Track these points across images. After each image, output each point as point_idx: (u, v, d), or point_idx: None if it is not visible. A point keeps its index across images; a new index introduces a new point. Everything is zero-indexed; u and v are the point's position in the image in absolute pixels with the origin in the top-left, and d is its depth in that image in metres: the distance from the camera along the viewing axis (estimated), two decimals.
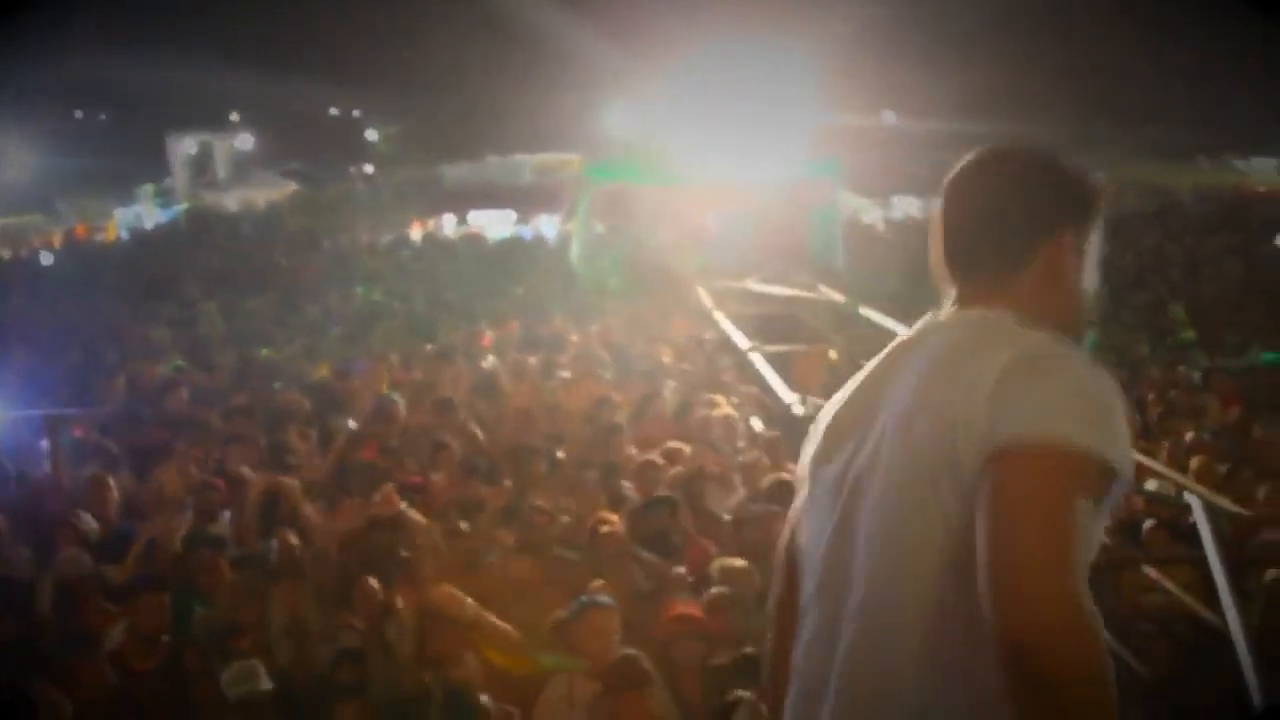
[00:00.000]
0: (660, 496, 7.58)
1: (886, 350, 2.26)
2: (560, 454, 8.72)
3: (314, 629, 6.21)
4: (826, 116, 26.92)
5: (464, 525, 7.16)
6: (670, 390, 10.58)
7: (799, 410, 9.32)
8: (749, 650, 5.53)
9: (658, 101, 21.77)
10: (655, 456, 8.49)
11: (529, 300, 16.56)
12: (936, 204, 2.29)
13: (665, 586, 6.62)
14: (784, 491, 7.66)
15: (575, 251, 19.73)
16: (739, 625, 6.08)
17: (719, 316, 13.62)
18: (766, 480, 7.87)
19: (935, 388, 2.02)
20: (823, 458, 2.22)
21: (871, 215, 32.21)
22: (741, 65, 21.95)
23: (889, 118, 45.63)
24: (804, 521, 2.26)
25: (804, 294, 15.38)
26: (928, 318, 2.25)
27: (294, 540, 6.87)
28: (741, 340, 11.97)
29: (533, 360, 11.96)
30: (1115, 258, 19.71)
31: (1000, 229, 2.19)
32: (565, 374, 11.31)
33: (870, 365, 2.27)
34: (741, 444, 9.20)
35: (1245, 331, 15.50)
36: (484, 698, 5.36)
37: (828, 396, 7.92)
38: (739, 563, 6.67)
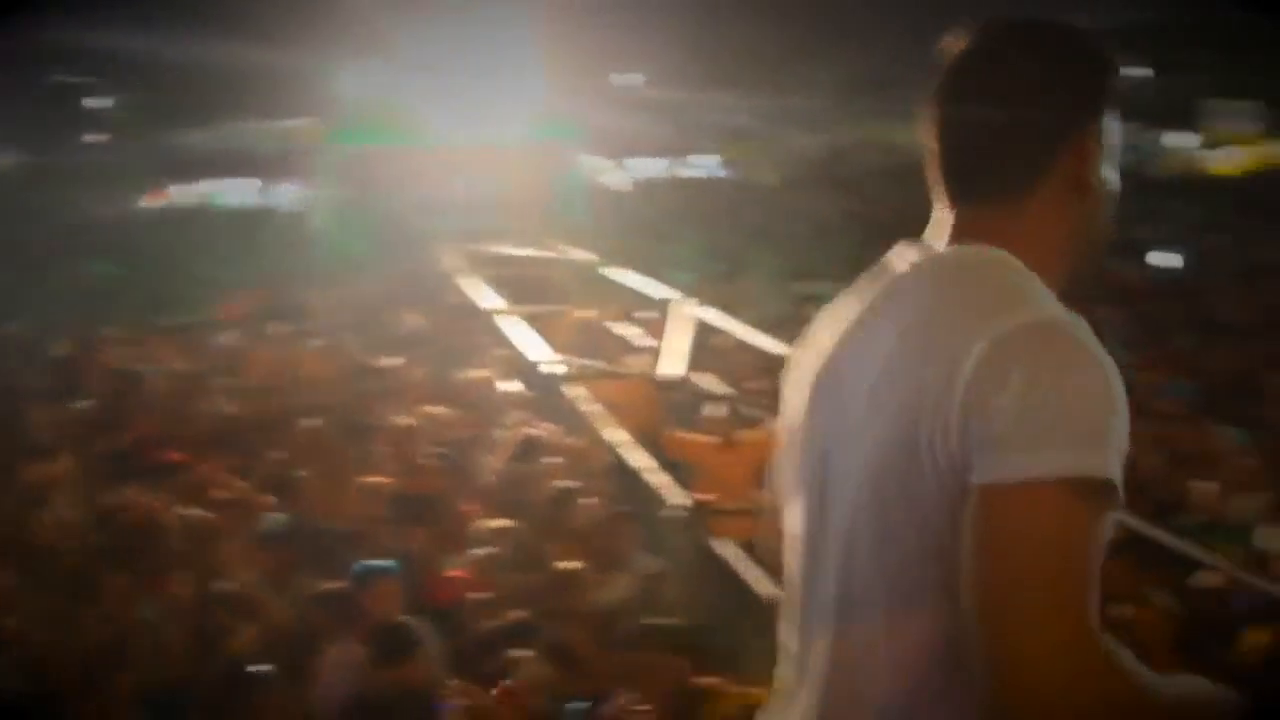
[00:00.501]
0: (421, 462, 7.63)
1: (876, 289, 1.77)
2: (317, 422, 8.65)
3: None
4: (568, 78, 27.03)
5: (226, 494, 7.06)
6: (422, 355, 10.60)
7: (550, 369, 9.45)
8: (521, 614, 5.66)
9: (398, 63, 21.52)
10: (413, 420, 8.52)
11: (273, 269, 16.24)
12: (929, 111, 1.79)
13: (432, 551, 6.69)
14: (535, 449, 7.83)
15: (318, 218, 19.44)
16: (506, 584, 6.21)
17: (468, 279, 13.63)
18: (520, 439, 8.00)
19: (910, 356, 1.63)
20: (801, 420, 1.81)
21: (615, 177, 32.52)
22: (481, 25, 21.87)
23: (633, 79, 46.02)
24: (790, 489, 1.83)
25: (551, 255, 15.54)
26: (921, 250, 1.77)
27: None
28: (492, 302, 12.02)
29: (280, 330, 11.80)
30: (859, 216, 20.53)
31: (1018, 134, 1.72)
32: (316, 342, 11.20)
33: (851, 306, 1.80)
34: (498, 405, 9.30)
35: None
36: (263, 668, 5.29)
37: (577, 354, 8.10)
38: (503, 523, 6.78)
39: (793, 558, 1.80)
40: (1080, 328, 1.58)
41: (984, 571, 1.48)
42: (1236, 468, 8.23)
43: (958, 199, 1.75)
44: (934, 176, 1.79)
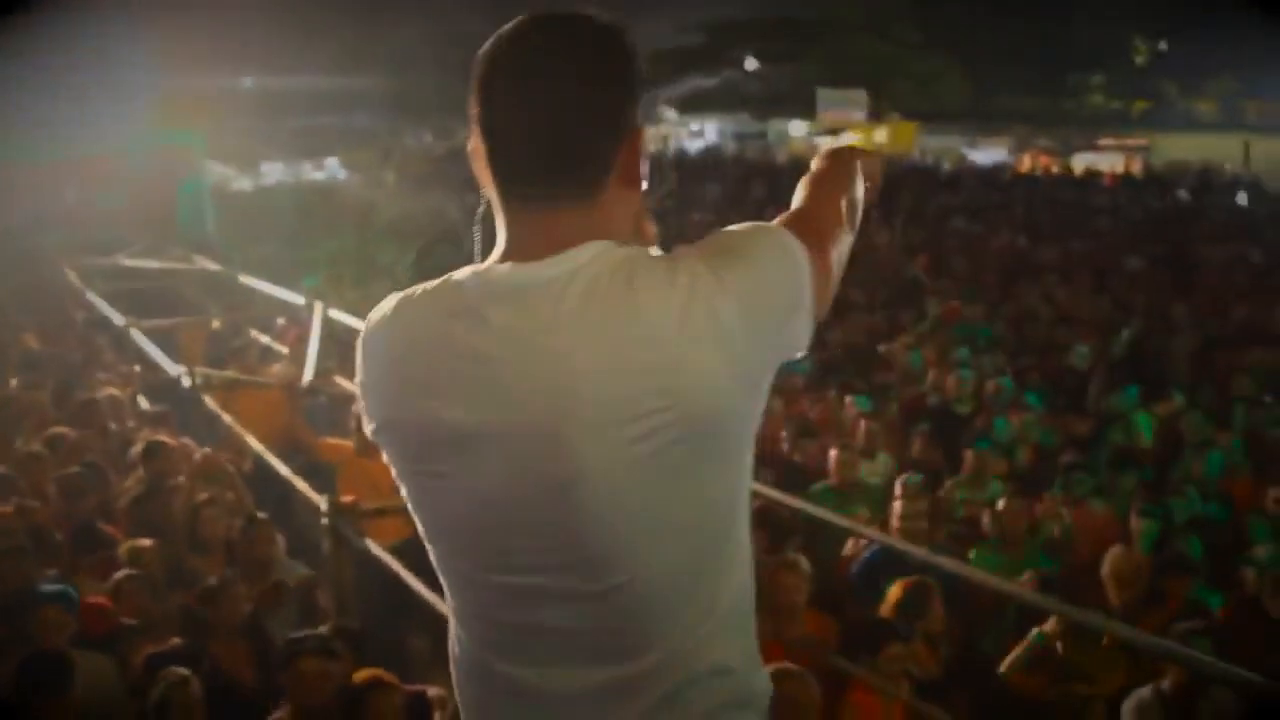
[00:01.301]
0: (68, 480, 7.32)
1: (439, 325, 1.75)
2: None
3: None
4: (185, 82, 26.15)
5: None
6: (43, 376, 10.10)
7: (187, 381, 9.18)
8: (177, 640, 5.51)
9: (5, 73, 20.30)
10: (38, 447, 8.13)
11: None
12: (484, 114, 1.74)
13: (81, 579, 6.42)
14: (167, 463, 7.60)
15: None
16: (150, 606, 6.03)
17: (90, 295, 13.06)
18: (147, 454, 7.76)
19: (658, 355, 1.64)
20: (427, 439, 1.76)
21: (241, 182, 31.75)
22: (86, 30, 20.94)
23: (250, 82, 44.90)
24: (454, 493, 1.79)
25: (178, 265, 15.08)
26: (488, 278, 1.74)
27: None
28: (117, 317, 11.56)
29: None
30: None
31: (587, 127, 1.71)
32: None
33: (427, 343, 1.76)
34: (131, 423, 8.98)
35: None
36: None
37: (212, 366, 7.87)
38: (145, 543, 6.57)
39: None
40: None
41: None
42: (860, 433, 8.69)
43: (531, 201, 1.74)
44: (493, 179, 1.76)
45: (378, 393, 1.84)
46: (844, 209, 2.02)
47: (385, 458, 1.87)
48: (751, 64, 50.46)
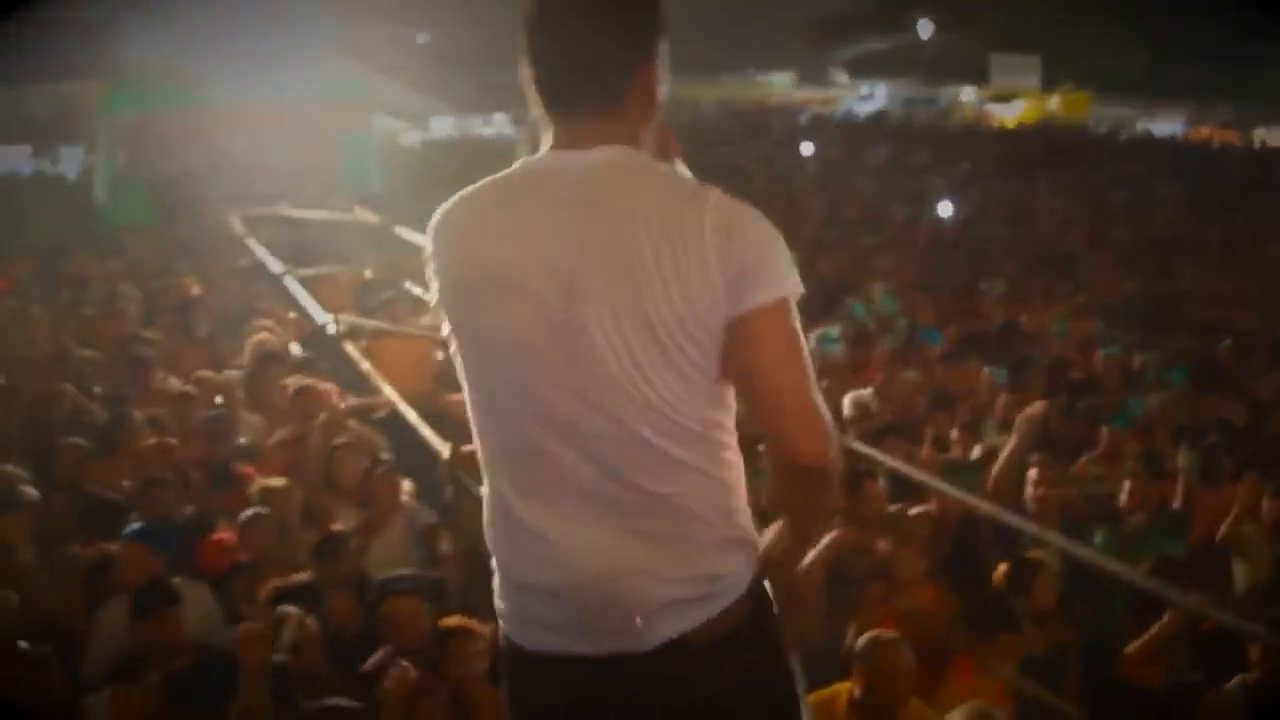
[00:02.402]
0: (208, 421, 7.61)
1: (545, 186, 2.18)
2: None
3: None
4: (360, 37, 26.68)
5: None
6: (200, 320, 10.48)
7: (332, 329, 9.46)
8: (303, 576, 5.69)
9: (180, 21, 20.95)
10: (189, 387, 8.45)
11: (49, 239, 15.71)
12: (525, 39, 2.20)
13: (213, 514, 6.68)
14: (310, 403, 7.83)
15: (99, 184, 18.86)
16: (275, 544, 6.23)
17: (252, 243, 13.47)
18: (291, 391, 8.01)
19: (619, 240, 2.07)
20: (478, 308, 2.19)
21: (410, 138, 32.27)
22: None
23: (424, 38, 45.60)
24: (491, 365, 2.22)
25: (338, 217, 15.43)
26: (531, 162, 2.23)
27: None
28: (275, 264, 11.92)
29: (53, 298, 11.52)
30: None
31: (604, 55, 2.15)
32: (90, 311, 10.96)
33: (514, 203, 2.20)
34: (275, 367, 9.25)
35: None
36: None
37: (361, 314, 8.09)
38: (277, 482, 6.74)
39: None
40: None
41: (766, 372, 2.10)
42: (995, 406, 8.58)
43: (563, 113, 2.19)
44: (538, 96, 2.21)
45: (443, 256, 2.26)
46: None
47: (445, 320, 2.28)
48: (925, 27, 49.66)
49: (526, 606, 2.28)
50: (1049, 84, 44.61)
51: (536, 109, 2.22)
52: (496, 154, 28.05)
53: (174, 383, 8.80)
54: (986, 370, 9.38)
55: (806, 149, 27.33)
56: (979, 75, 46.02)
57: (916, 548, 6.13)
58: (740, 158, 24.18)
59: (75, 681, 5.10)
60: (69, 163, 25.45)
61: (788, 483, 2.22)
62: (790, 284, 2.12)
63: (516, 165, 2.24)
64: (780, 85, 52.13)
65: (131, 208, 17.07)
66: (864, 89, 51.46)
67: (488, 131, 37.01)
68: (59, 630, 5.36)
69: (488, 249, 2.18)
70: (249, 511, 6.26)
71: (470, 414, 2.33)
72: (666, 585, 2.18)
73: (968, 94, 47.19)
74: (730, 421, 2.24)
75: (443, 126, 37.12)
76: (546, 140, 2.22)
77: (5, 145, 27.46)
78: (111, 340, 9.88)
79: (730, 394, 2.21)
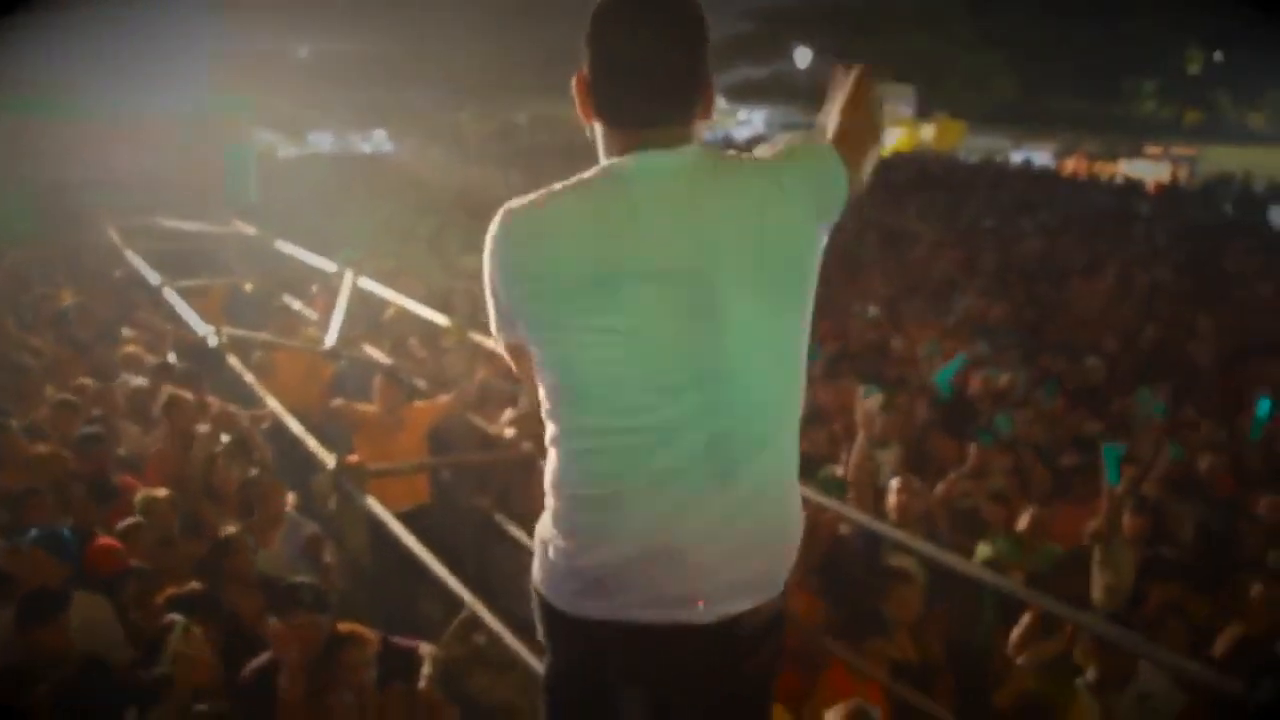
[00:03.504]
0: (86, 435, 7.51)
1: (586, 196, 2.34)
2: None
3: None
4: (238, 48, 26.40)
5: None
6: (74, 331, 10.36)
7: (213, 341, 9.40)
8: (195, 585, 5.68)
9: (58, 31, 20.50)
10: (68, 395, 8.36)
11: None
12: (592, 47, 2.34)
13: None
14: (184, 416, 7.79)
15: None
16: (160, 552, 6.21)
17: (129, 254, 13.31)
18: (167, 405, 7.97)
19: (753, 203, 2.33)
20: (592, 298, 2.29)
21: (287, 152, 32.02)
22: None
23: (303, 51, 45.24)
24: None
25: (217, 229, 15.31)
26: (619, 165, 2.35)
27: None
28: (153, 276, 11.80)
29: None
30: (524, 190, 20.80)
31: (691, 72, 2.35)
32: None
33: (572, 214, 2.34)
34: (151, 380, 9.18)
35: None
36: None
37: (242, 328, 8.04)
38: (159, 492, 6.73)
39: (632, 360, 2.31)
40: None
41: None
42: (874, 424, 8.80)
43: (646, 121, 2.35)
44: (605, 108, 2.37)
45: (524, 261, 2.35)
46: (875, 130, 2.65)
47: (518, 328, 2.40)
48: (803, 55, 50.39)
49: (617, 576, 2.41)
50: (923, 113, 45.56)
51: (594, 118, 2.41)
52: (373, 170, 27.96)
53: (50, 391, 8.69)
54: (861, 388, 9.62)
55: None
56: None
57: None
58: None
59: None
60: None
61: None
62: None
63: (598, 169, 2.38)
64: None
65: (10, 219, 16.74)
66: (741, 114, 52.11)
67: (366, 148, 36.86)
68: None
69: (600, 247, 2.29)
70: (131, 520, 6.23)
71: (557, 409, 2.43)
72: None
73: None
74: None
75: (321, 141, 36.89)
76: (614, 147, 2.38)
77: None
78: None
79: None
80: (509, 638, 4.88)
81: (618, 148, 2.37)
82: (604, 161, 2.39)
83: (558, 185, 2.36)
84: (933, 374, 10.14)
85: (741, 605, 2.41)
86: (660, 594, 2.37)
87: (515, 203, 2.38)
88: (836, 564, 6.81)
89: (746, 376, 2.34)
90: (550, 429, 2.45)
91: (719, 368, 2.31)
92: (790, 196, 2.35)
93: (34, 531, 5.90)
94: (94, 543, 6.19)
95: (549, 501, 2.48)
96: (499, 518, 7.86)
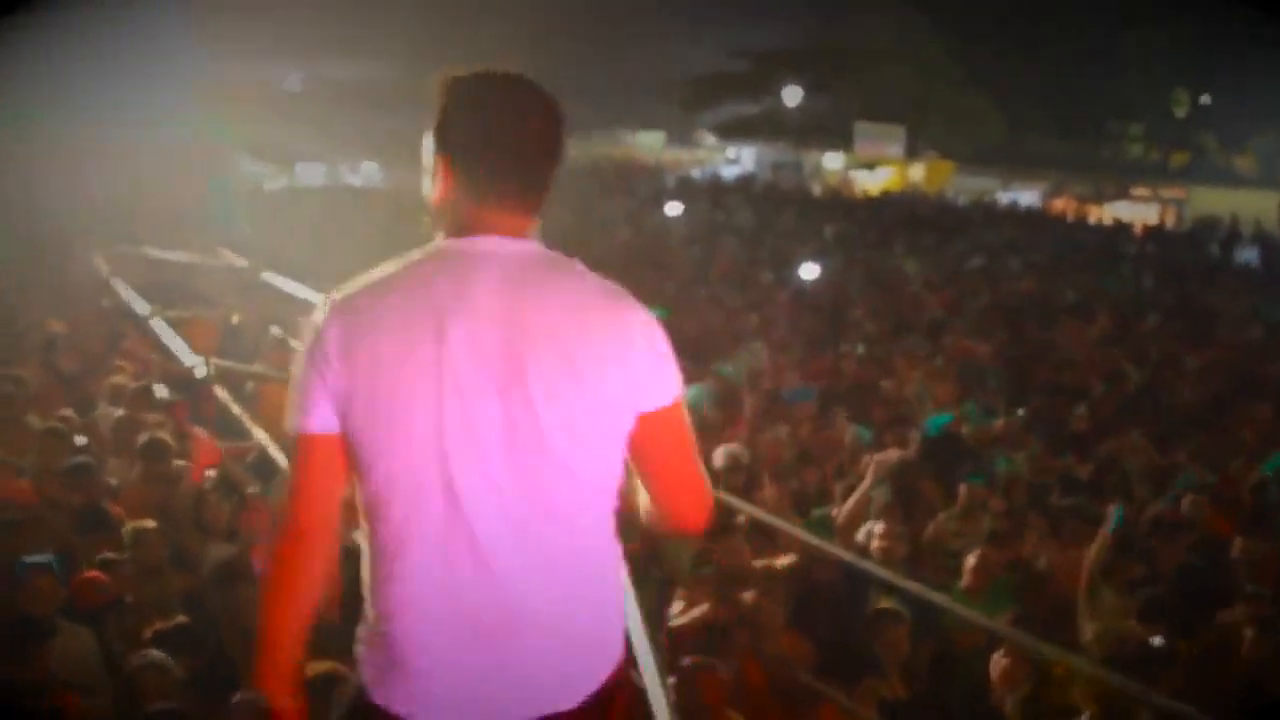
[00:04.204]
0: (75, 464, 7.44)
1: (415, 278, 2.38)
2: None
3: None
4: (227, 78, 26.41)
5: None
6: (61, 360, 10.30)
7: (201, 372, 9.36)
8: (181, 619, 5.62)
9: (41, 56, 20.52)
10: (56, 423, 8.29)
11: None
12: (468, 128, 2.40)
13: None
14: (165, 450, 7.73)
15: None
16: (146, 586, 6.16)
17: (116, 283, 13.25)
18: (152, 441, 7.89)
19: (562, 333, 2.32)
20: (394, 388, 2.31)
21: (276, 182, 32.00)
22: (137, 19, 21.12)
23: (294, 82, 45.21)
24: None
25: (204, 260, 15.26)
26: (455, 245, 2.40)
27: None
28: (141, 305, 11.75)
29: None
30: None
31: (546, 164, 2.43)
32: None
33: (401, 295, 2.36)
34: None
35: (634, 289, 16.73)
36: None
37: (229, 358, 7.98)
38: (148, 524, 6.67)
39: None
40: None
41: (673, 460, 2.49)
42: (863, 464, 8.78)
43: (495, 204, 2.40)
44: (465, 187, 2.41)
45: (360, 337, 2.35)
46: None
47: (353, 405, 2.34)
48: (793, 94, 50.49)
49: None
50: (912, 153, 45.72)
51: (455, 192, 2.43)
52: (361, 204, 27.94)
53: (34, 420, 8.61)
54: (852, 429, 9.64)
55: (674, 209, 27.63)
56: (844, 142, 46.95)
57: (776, 598, 6.29)
58: (607, 212, 24.44)
59: None
60: None
61: (665, 532, 2.72)
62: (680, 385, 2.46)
63: (430, 248, 2.44)
64: (649, 146, 52.72)
65: None
66: (730, 151, 52.21)
67: (356, 180, 36.85)
68: None
69: (420, 331, 2.32)
70: (117, 553, 6.19)
71: (375, 499, 2.39)
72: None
73: (833, 160, 48.14)
74: None
75: (310, 173, 36.85)
76: (455, 222, 2.43)
77: None
78: None
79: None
80: None
81: (466, 220, 2.45)
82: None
83: (395, 266, 2.45)
84: (924, 417, 10.13)
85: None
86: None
87: (352, 287, 2.48)
88: (824, 605, 6.78)
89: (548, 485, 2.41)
90: None
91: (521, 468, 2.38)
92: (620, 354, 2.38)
93: (36, 558, 5.84)
94: (80, 574, 6.14)
95: None
96: None
